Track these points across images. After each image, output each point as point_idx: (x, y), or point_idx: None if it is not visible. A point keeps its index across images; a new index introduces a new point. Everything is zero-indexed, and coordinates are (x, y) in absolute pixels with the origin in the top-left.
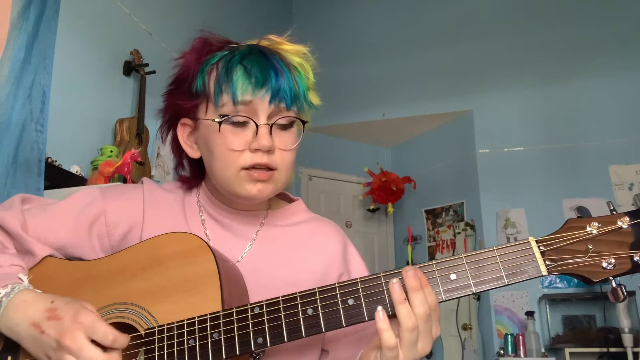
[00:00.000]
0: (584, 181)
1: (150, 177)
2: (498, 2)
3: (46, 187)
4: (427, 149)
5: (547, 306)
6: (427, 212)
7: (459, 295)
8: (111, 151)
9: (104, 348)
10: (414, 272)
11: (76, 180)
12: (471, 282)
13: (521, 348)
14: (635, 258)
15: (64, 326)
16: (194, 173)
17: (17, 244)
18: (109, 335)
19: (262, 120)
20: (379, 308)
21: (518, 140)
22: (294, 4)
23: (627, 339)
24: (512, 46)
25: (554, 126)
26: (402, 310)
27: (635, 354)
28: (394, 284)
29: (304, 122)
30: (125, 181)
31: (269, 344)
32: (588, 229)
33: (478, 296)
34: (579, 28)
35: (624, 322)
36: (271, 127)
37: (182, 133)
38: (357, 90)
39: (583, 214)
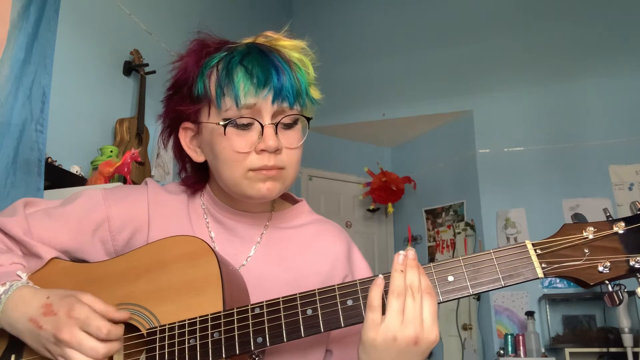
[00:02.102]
0: (584, 181)
1: (150, 177)
2: (498, 2)
3: (46, 187)
4: (427, 149)
5: (547, 306)
6: (427, 212)
7: (456, 297)
8: (111, 151)
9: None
10: (415, 254)
11: (76, 180)
12: (468, 283)
13: (521, 348)
14: (632, 262)
15: (60, 321)
16: (198, 177)
17: (23, 248)
18: (103, 328)
19: (267, 120)
20: (380, 275)
21: (518, 140)
22: (294, 3)
23: (627, 339)
24: (512, 46)
25: (554, 126)
26: (396, 276)
27: (635, 354)
28: (399, 254)
29: (308, 119)
30: (125, 181)
31: (268, 344)
32: (584, 233)
33: (478, 296)
34: (579, 28)
35: (624, 322)
36: (276, 126)
37: (185, 137)
38: (357, 90)
39: (579, 220)
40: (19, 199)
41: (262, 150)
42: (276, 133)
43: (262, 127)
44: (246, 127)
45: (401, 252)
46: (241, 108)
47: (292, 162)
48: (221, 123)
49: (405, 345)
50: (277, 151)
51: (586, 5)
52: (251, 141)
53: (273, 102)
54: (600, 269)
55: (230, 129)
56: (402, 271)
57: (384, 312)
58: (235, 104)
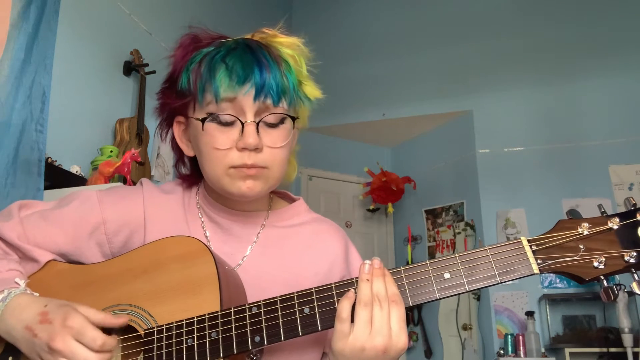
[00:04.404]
0: (584, 181)
1: (150, 177)
2: (498, 2)
3: (46, 187)
4: (427, 149)
5: (547, 306)
6: (427, 212)
7: (452, 294)
8: (111, 151)
9: None
10: (380, 262)
11: (76, 180)
12: (464, 280)
13: (521, 348)
14: (626, 257)
15: (54, 330)
16: (193, 171)
17: (19, 252)
18: (97, 340)
19: (249, 117)
20: (351, 289)
21: (518, 140)
22: (294, 3)
23: (627, 339)
24: (512, 46)
25: (554, 126)
26: (363, 286)
27: (635, 354)
28: (364, 264)
29: (293, 118)
30: (125, 181)
31: (266, 343)
32: (579, 229)
33: (478, 296)
34: (579, 28)
35: (624, 322)
36: (258, 124)
37: (178, 131)
38: (357, 90)
39: (574, 216)
40: (14, 202)
41: (243, 148)
42: (258, 131)
43: (243, 124)
44: (228, 124)
45: (367, 261)
46: (220, 102)
47: (276, 162)
48: (200, 118)
49: (374, 355)
50: (257, 149)
51: (586, 6)
52: (232, 138)
53: (255, 99)
54: (596, 264)
55: (212, 125)
56: (368, 280)
57: (353, 321)
58: (215, 99)
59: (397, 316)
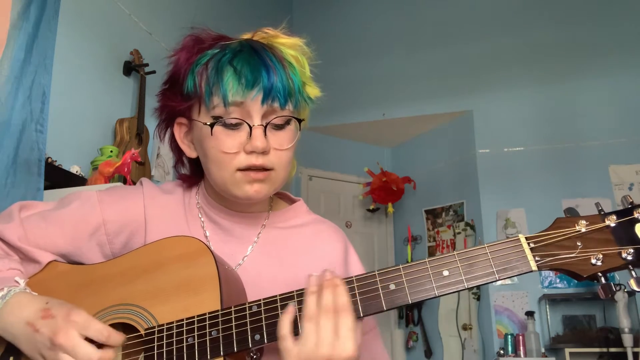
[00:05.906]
0: (584, 181)
1: (150, 177)
2: (498, 2)
3: (46, 187)
4: (427, 149)
5: (547, 306)
6: (427, 212)
7: (451, 291)
8: (111, 151)
9: (98, 346)
10: (332, 274)
11: (76, 180)
12: (463, 277)
13: (521, 348)
14: (624, 255)
15: (57, 324)
16: (193, 171)
17: (20, 253)
18: (104, 331)
19: (256, 121)
20: (290, 304)
21: (518, 140)
22: (294, 3)
23: (627, 339)
24: (512, 46)
25: (554, 126)
26: (308, 300)
27: (635, 354)
28: (311, 277)
29: (299, 120)
30: (125, 181)
31: (266, 341)
32: (577, 227)
33: (478, 296)
34: (578, 28)
35: (624, 322)
36: (265, 127)
37: (179, 132)
38: (357, 90)
39: (572, 214)
40: (15, 203)
41: (251, 151)
42: (265, 134)
43: (251, 128)
44: (235, 127)
45: (314, 273)
46: (229, 106)
47: (282, 164)
48: (208, 123)
49: None
50: (265, 152)
51: (585, 6)
52: (240, 141)
53: (263, 102)
54: (593, 261)
55: (219, 129)
56: (314, 293)
57: (297, 334)
58: (223, 102)
59: (346, 325)
